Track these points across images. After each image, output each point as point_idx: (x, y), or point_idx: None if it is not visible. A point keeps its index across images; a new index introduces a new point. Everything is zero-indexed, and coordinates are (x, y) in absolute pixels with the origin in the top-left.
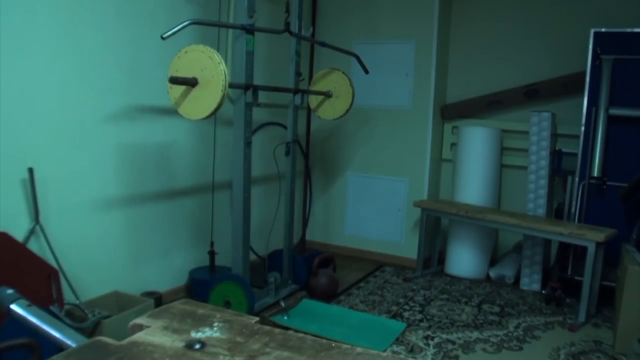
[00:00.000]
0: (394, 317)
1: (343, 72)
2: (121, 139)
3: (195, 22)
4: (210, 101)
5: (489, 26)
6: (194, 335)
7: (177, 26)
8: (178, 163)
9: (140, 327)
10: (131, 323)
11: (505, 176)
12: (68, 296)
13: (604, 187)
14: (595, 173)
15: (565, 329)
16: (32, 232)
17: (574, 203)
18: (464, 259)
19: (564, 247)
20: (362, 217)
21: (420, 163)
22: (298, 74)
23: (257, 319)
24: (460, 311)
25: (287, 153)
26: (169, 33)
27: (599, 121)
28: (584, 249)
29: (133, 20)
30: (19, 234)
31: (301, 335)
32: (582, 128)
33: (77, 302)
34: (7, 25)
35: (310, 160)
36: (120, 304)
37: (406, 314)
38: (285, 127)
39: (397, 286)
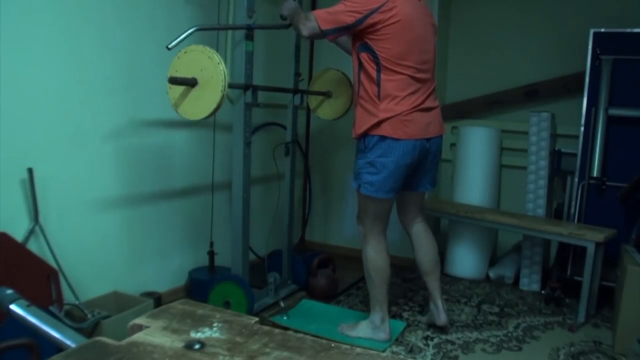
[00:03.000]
0: (393, 317)
1: (343, 72)
2: (120, 139)
3: (201, 29)
4: (210, 101)
5: (489, 26)
6: (194, 335)
7: (182, 35)
8: (177, 163)
9: (139, 328)
10: (131, 323)
11: (504, 176)
12: (67, 296)
13: (604, 187)
14: (595, 173)
15: (564, 329)
16: (31, 232)
17: (573, 203)
18: (463, 259)
19: (563, 247)
20: None
21: None
22: (297, 74)
23: (257, 319)
24: (459, 311)
25: (287, 153)
26: (173, 43)
27: (598, 121)
28: (583, 249)
29: (132, 21)
30: (18, 234)
31: (301, 335)
32: (582, 128)
33: (77, 302)
34: (6, 26)
35: (309, 160)
36: (119, 304)
37: (405, 314)
38: (284, 127)
39: (396, 286)
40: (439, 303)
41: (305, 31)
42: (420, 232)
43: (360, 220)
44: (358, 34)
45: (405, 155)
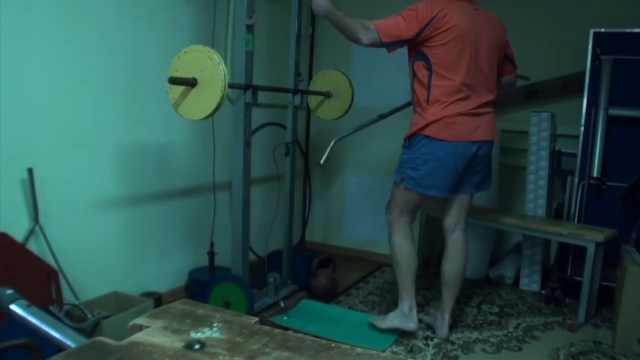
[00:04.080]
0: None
1: (342, 72)
2: (121, 139)
3: (339, 140)
4: (210, 101)
5: None
6: (194, 335)
7: (328, 149)
8: (178, 163)
9: (139, 328)
10: (130, 323)
11: (504, 176)
12: (67, 296)
13: (604, 187)
14: (595, 173)
15: (564, 329)
16: (31, 232)
17: (573, 203)
18: None
19: (563, 247)
20: (361, 217)
21: None
22: (297, 74)
23: (257, 319)
24: (459, 311)
25: (287, 153)
26: (323, 159)
27: (598, 121)
28: (583, 249)
29: (132, 21)
30: (18, 234)
31: (301, 335)
32: (582, 128)
33: (77, 302)
34: (6, 25)
35: (309, 160)
36: (119, 304)
37: None
38: (284, 127)
39: (397, 286)
40: (447, 317)
41: (365, 41)
42: (457, 242)
43: (388, 209)
44: (413, 45)
45: (448, 155)
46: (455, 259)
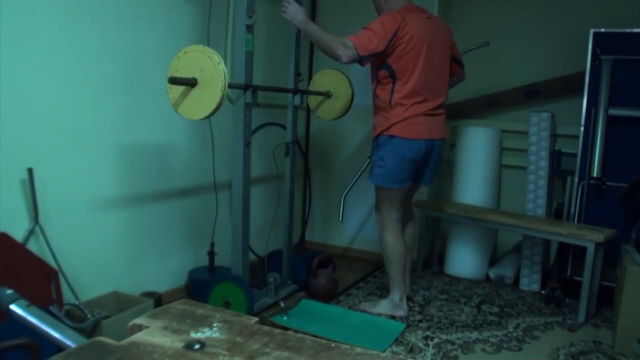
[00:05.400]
0: (393, 317)
1: (342, 72)
2: (121, 139)
3: (346, 194)
4: (210, 101)
5: (489, 26)
6: (194, 335)
7: (341, 207)
8: (177, 163)
9: (139, 328)
10: (130, 323)
11: (504, 176)
12: (67, 296)
13: (604, 187)
14: (595, 173)
15: (564, 329)
16: (31, 232)
17: (573, 203)
18: (463, 260)
19: (563, 247)
20: (361, 217)
21: None
22: (297, 74)
23: (257, 319)
24: (459, 311)
25: (287, 153)
26: (340, 216)
27: (598, 121)
28: (583, 249)
29: (132, 20)
30: (18, 234)
31: (300, 335)
32: (582, 128)
33: (77, 302)
34: (6, 25)
35: (309, 160)
36: (119, 304)
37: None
38: (284, 127)
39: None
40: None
41: (345, 58)
42: (406, 221)
43: (377, 209)
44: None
45: (410, 151)
46: (409, 232)
